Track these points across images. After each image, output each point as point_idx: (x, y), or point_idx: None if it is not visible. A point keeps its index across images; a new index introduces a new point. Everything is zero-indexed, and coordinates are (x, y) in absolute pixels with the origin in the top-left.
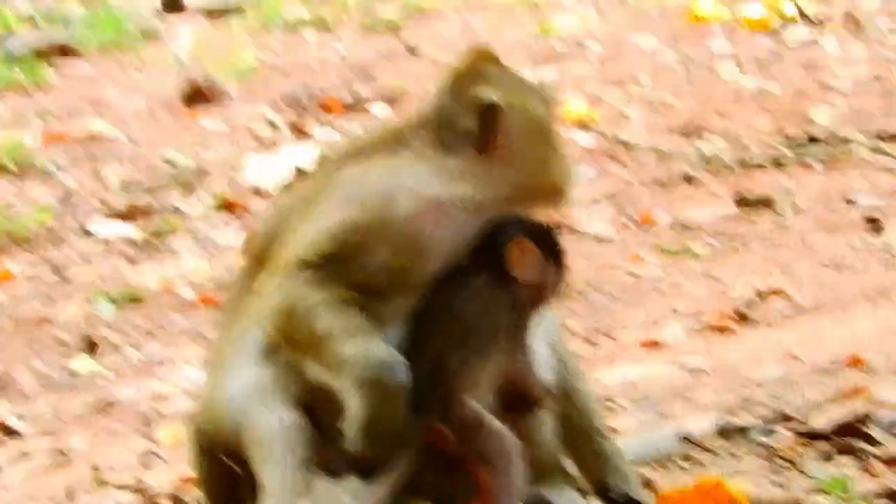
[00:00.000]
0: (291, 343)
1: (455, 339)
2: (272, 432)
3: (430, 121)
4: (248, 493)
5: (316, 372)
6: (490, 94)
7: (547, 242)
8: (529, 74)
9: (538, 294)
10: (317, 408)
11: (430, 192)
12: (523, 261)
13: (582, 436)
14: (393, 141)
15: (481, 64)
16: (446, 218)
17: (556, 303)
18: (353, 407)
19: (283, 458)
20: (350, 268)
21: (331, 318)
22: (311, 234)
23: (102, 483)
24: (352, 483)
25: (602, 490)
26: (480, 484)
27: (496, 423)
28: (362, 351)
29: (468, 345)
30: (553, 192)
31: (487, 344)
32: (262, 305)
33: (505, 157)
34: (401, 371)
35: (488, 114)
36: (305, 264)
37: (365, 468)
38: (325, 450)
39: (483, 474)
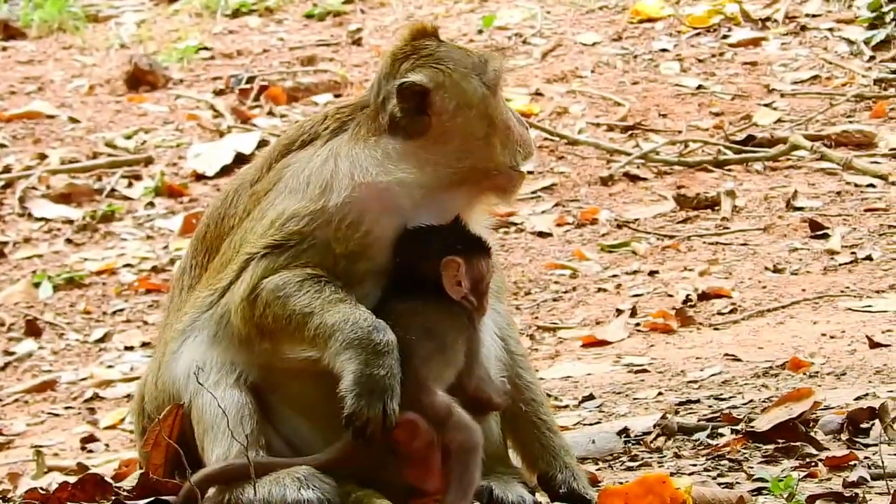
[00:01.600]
0: (265, 331)
1: (418, 333)
2: (217, 412)
3: (367, 105)
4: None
5: (296, 352)
6: (418, 75)
7: (475, 253)
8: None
9: (478, 302)
10: (266, 390)
11: (365, 177)
12: (455, 279)
13: (530, 429)
14: (332, 127)
15: (417, 43)
16: (385, 202)
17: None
18: (346, 370)
19: (228, 439)
20: (305, 253)
21: (306, 295)
22: (259, 226)
23: (44, 465)
24: (297, 466)
25: (548, 483)
26: (425, 479)
27: (465, 416)
28: (346, 316)
29: (431, 340)
30: (498, 176)
31: (446, 342)
32: (218, 297)
33: (439, 139)
34: (388, 331)
35: (415, 96)
36: (261, 255)
37: (363, 428)
38: (272, 432)
39: (436, 468)
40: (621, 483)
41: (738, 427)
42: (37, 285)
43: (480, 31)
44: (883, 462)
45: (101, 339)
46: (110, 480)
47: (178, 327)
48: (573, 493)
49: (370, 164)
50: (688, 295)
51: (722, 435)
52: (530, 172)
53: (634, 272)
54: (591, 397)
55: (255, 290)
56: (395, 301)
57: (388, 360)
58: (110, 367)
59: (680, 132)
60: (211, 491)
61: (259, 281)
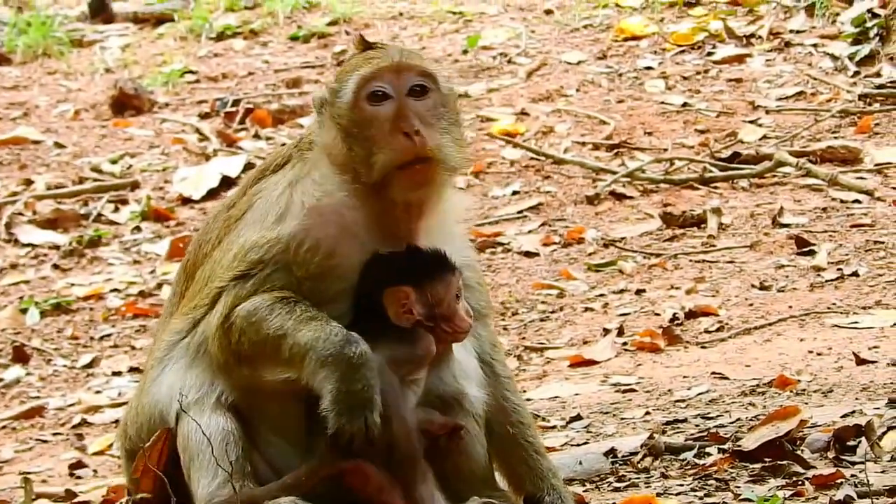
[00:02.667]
0: (243, 357)
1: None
2: (201, 440)
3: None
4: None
5: (276, 375)
6: (322, 89)
7: (426, 278)
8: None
9: (446, 325)
10: (248, 413)
11: (311, 201)
12: (403, 308)
13: (517, 451)
14: (302, 149)
15: (350, 56)
16: (337, 222)
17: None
18: (325, 388)
19: (214, 467)
20: (270, 279)
21: (278, 317)
22: (226, 259)
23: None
24: (281, 498)
25: None
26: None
27: (416, 438)
28: (318, 334)
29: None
30: (391, 177)
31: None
32: (192, 325)
33: (331, 151)
34: (361, 343)
35: (319, 109)
36: (231, 286)
37: (349, 444)
38: (257, 457)
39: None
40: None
41: (726, 446)
42: (24, 311)
43: (465, 52)
44: (869, 480)
45: (89, 365)
46: None
47: (157, 354)
48: None
49: (313, 188)
50: (675, 313)
51: (709, 454)
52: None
53: (621, 291)
54: (578, 417)
55: (228, 319)
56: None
57: (364, 372)
58: (98, 392)
59: (665, 150)
60: None
61: (231, 310)
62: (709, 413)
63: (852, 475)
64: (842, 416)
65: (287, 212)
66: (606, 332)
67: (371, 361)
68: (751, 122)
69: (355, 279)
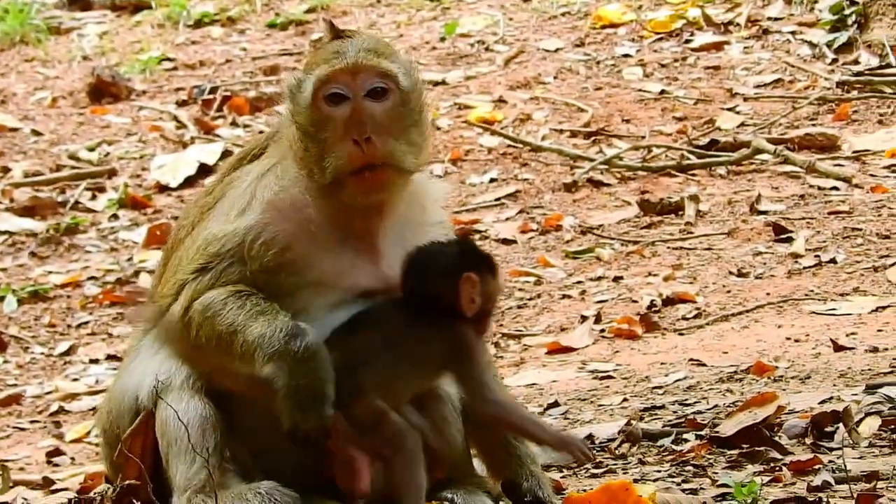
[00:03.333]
0: (202, 350)
1: (375, 341)
2: (178, 426)
3: None
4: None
5: (235, 369)
6: (290, 77)
7: (488, 271)
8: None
9: (483, 320)
10: (226, 398)
11: (269, 195)
12: (470, 295)
13: (494, 437)
14: (276, 139)
15: (318, 47)
16: (294, 216)
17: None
18: (276, 385)
19: (191, 452)
20: (226, 272)
21: (230, 313)
22: (191, 250)
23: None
24: (262, 481)
25: (513, 492)
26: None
27: (399, 420)
28: (266, 329)
29: (387, 351)
30: (342, 182)
31: (403, 357)
32: (161, 314)
33: (300, 146)
34: (307, 335)
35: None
36: (191, 278)
37: (305, 439)
38: (236, 443)
39: (363, 470)
40: (585, 490)
41: (703, 432)
42: (1, 299)
43: (443, 39)
44: (846, 466)
45: (66, 353)
46: None
47: (132, 341)
48: (538, 502)
49: (275, 182)
50: (652, 300)
51: (686, 441)
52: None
53: (599, 278)
54: (555, 404)
55: (187, 312)
56: (373, 308)
57: (312, 365)
58: (76, 380)
59: (643, 137)
60: (174, 502)
61: (190, 303)
62: (686, 399)
63: (830, 461)
64: (819, 403)
65: (248, 205)
66: (584, 319)
67: (321, 352)
68: (729, 109)
69: (313, 275)
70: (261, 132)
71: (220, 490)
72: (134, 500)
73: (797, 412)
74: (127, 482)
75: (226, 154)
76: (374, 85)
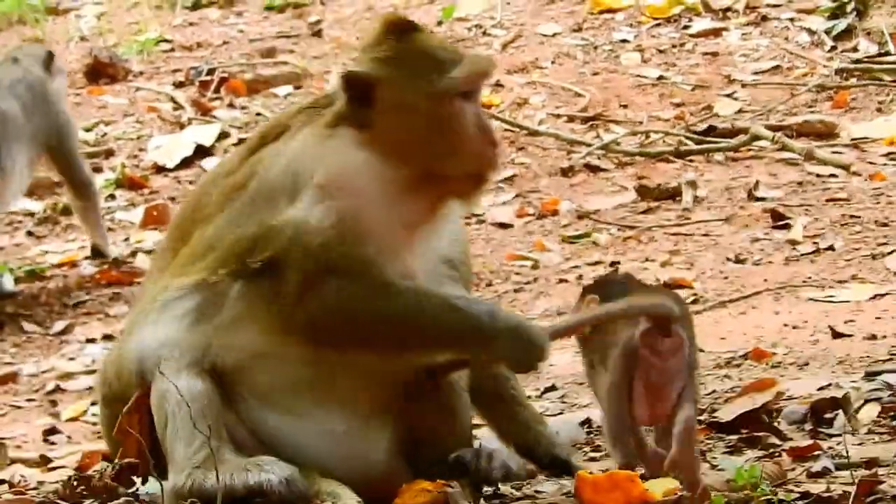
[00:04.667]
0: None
1: None
2: (177, 399)
3: (329, 100)
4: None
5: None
6: (364, 66)
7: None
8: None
9: None
10: (234, 379)
11: (327, 178)
12: None
13: (499, 405)
14: (302, 120)
15: (383, 36)
16: (351, 203)
17: None
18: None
19: (191, 429)
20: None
21: (406, 296)
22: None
23: (7, 458)
24: (259, 456)
25: (529, 455)
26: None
27: None
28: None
29: None
30: (451, 182)
31: None
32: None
33: (384, 136)
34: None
35: (360, 87)
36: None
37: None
38: (236, 421)
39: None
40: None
41: (702, 417)
42: None
43: (440, 23)
44: (847, 452)
45: (63, 332)
46: None
47: (147, 307)
48: (556, 461)
49: (334, 160)
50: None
51: None
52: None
53: (596, 263)
54: (553, 388)
55: (312, 298)
56: None
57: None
58: (72, 359)
59: (641, 123)
60: (172, 479)
61: (312, 288)
62: None
63: (829, 447)
64: (818, 389)
65: (297, 188)
66: None
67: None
68: (727, 95)
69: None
70: (258, 114)
71: (220, 464)
72: (133, 478)
73: (796, 398)
74: (126, 460)
75: (223, 135)
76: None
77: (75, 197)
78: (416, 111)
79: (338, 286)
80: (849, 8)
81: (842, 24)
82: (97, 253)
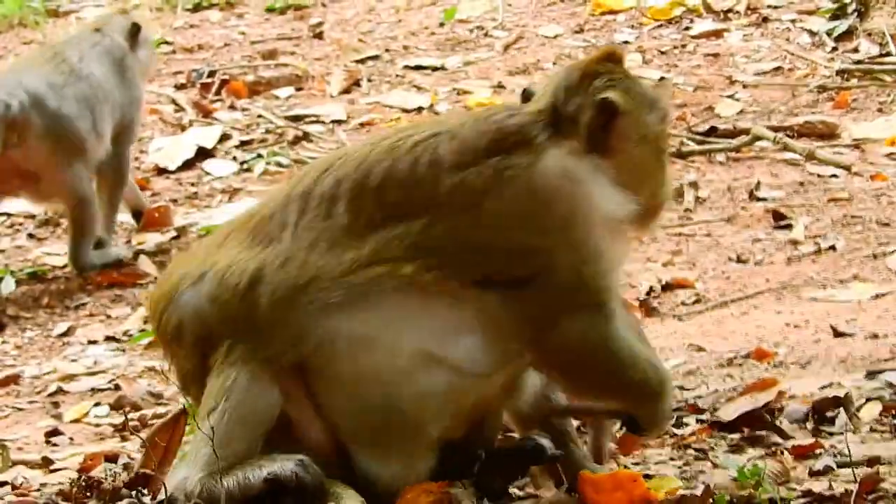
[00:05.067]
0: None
1: None
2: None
3: (546, 115)
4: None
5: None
6: (614, 95)
7: None
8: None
9: None
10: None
11: (593, 204)
12: None
13: (560, 437)
14: (545, 134)
15: (605, 66)
16: (606, 225)
17: None
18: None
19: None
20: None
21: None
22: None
23: (9, 459)
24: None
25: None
26: None
27: None
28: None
29: None
30: (655, 211)
31: None
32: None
33: (620, 165)
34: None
35: (607, 114)
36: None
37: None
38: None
39: None
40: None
41: (704, 417)
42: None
43: (442, 25)
44: (849, 450)
45: (65, 334)
46: None
47: (319, 280)
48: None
49: (596, 189)
50: (651, 286)
51: (687, 424)
52: None
53: None
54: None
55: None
56: None
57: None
58: (74, 361)
59: None
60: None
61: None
62: (686, 384)
63: (831, 446)
64: (820, 388)
65: (572, 211)
66: None
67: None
68: (728, 96)
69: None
70: (259, 116)
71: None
72: (142, 490)
73: (798, 397)
74: (143, 470)
75: (224, 137)
76: None
77: (109, 174)
78: (649, 143)
79: (591, 322)
80: (850, 9)
81: (843, 25)
82: (138, 214)
